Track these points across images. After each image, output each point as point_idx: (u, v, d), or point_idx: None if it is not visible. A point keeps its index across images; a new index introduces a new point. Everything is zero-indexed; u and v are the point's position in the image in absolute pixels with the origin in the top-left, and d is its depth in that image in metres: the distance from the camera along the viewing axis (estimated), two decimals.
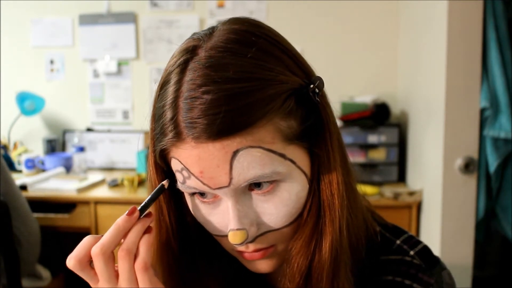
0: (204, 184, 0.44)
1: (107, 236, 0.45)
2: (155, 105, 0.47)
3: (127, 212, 0.46)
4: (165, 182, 0.49)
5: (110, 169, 2.45)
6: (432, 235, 1.64)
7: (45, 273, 1.83)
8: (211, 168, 0.43)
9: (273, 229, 0.47)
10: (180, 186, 0.47)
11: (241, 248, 0.48)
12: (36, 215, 1.81)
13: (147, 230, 0.47)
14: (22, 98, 2.39)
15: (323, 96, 0.49)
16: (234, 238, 0.45)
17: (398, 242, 0.57)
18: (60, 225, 1.91)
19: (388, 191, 1.84)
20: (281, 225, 0.47)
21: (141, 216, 0.48)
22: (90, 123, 2.52)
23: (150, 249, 0.47)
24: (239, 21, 0.48)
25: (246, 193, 0.46)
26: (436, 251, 1.57)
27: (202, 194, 0.48)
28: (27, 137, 2.56)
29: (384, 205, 1.78)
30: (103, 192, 1.97)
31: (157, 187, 0.50)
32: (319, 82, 0.46)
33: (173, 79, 0.45)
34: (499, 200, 1.62)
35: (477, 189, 1.55)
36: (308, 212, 0.49)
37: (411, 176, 1.97)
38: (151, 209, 0.50)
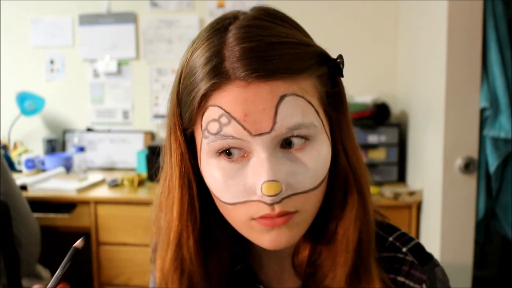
0: (245, 129, 0.44)
1: None
2: (185, 64, 0.48)
3: None
4: (78, 242, 0.49)
5: (110, 169, 2.45)
6: (432, 235, 1.64)
7: (45, 273, 1.83)
8: (256, 112, 0.43)
9: (300, 191, 0.47)
10: (211, 139, 0.46)
11: (267, 210, 0.46)
12: (36, 215, 1.81)
13: None
14: (22, 98, 2.39)
15: None
16: (269, 189, 0.43)
17: (390, 239, 0.57)
18: (60, 225, 1.91)
19: (388, 191, 1.84)
20: (307, 187, 0.47)
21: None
22: (90, 123, 2.52)
23: None
24: (267, 6, 0.51)
25: (278, 150, 0.46)
26: (436, 251, 1.57)
27: (229, 154, 0.46)
28: (27, 137, 2.56)
29: (384, 205, 1.78)
30: (103, 192, 1.97)
31: (70, 251, 0.49)
32: (342, 60, 0.50)
33: (213, 37, 0.46)
34: (499, 200, 1.62)
35: (477, 189, 1.55)
36: (344, 181, 0.52)
37: (411, 176, 1.97)
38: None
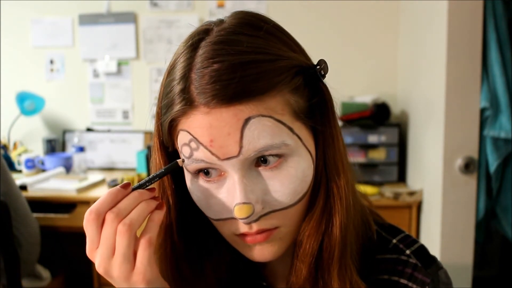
0: (213, 154, 0.44)
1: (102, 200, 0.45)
2: (163, 83, 0.48)
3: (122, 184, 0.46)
4: (180, 161, 0.48)
5: (110, 169, 2.44)
6: (432, 235, 1.64)
7: (45, 273, 1.83)
8: (221, 137, 0.43)
9: (277, 208, 0.47)
10: (186, 162, 0.47)
11: (245, 229, 0.47)
12: (36, 215, 1.81)
13: (159, 207, 0.47)
14: (22, 98, 2.39)
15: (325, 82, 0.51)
16: (240, 212, 0.44)
17: (394, 241, 0.57)
18: (60, 225, 1.91)
19: (388, 191, 1.84)
20: (286, 203, 0.47)
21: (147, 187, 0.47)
22: (90, 123, 2.52)
23: (158, 226, 0.46)
24: (247, 13, 0.50)
25: (252, 169, 0.46)
26: (436, 251, 1.57)
27: (206, 173, 0.47)
28: (27, 137, 2.56)
29: (384, 205, 1.78)
30: (103, 192, 1.95)
31: (171, 164, 0.49)
32: (324, 65, 0.48)
33: (184, 56, 0.46)
34: (499, 200, 1.62)
35: (477, 189, 1.55)
36: (317, 193, 0.49)
37: (411, 176, 1.97)
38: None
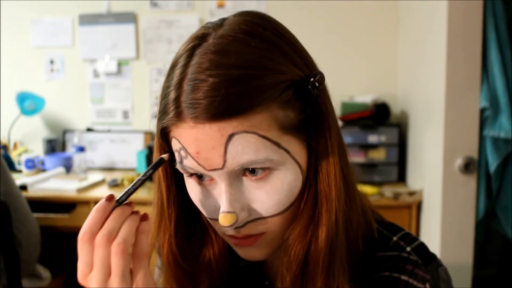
0: (199, 164, 0.46)
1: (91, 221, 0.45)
2: (163, 85, 0.49)
3: (105, 198, 0.47)
4: (165, 156, 0.50)
5: (110, 169, 2.44)
6: (432, 235, 1.64)
7: (45, 273, 1.83)
8: (206, 150, 0.44)
9: (263, 216, 0.48)
10: (178, 166, 0.49)
11: (232, 232, 0.49)
12: (36, 215, 1.81)
13: (144, 218, 0.49)
14: (22, 98, 2.39)
15: (324, 90, 0.50)
16: (223, 220, 0.46)
17: (395, 238, 0.57)
18: (60, 225, 1.91)
19: (388, 191, 1.84)
20: (271, 213, 0.48)
21: (124, 203, 0.48)
22: (90, 123, 2.52)
23: (148, 237, 0.47)
24: (249, 14, 0.50)
25: (240, 178, 0.47)
26: (436, 251, 1.57)
27: (199, 176, 0.49)
28: (27, 137, 2.56)
29: (384, 205, 1.78)
30: (103, 192, 1.97)
31: (156, 160, 0.50)
32: (320, 76, 0.47)
33: (181, 62, 0.46)
34: (499, 200, 1.62)
35: (477, 189, 1.55)
36: (305, 203, 0.49)
37: (411, 176, 1.97)
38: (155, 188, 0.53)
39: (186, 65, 0.46)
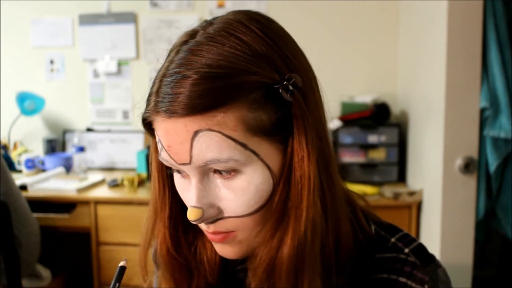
0: (171, 158, 0.47)
1: None
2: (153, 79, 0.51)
3: None
4: (123, 263, 0.52)
5: (110, 169, 2.44)
6: (432, 235, 1.64)
7: (45, 273, 1.83)
8: (175, 144, 0.46)
9: (231, 215, 0.49)
10: (159, 157, 0.50)
11: (203, 227, 0.51)
12: (36, 215, 1.81)
13: None
14: (22, 98, 2.39)
15: (305, 93, 0.48)
16: (190, 215, 0.48)
17: (393, 240, 0.57)
18: (60, 225, 1.91)
19: (388, 191, 1.84)
20: (239, 213, 0.48)
21: None
22: (90, 123, 2.52)
23: None
24: (239, 13, 0.50)
25: (210, 175, 0.48)
26: (436, 251, 1.57)
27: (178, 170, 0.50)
28: (27, 137, 2.56)
29: (384, 205, 1.78)
30: (103, 192, 1.97)
31: (118, 270, 0.52)
32: (295, 80, 0.47)
33: (169, 57, 0.49)
34: (499, 200, 1.62)
35: (477, 189, 1.55)
36: (275, 207, 0.49)
37: (411, 176, 1.97)
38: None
39: (171, 61, 0.47)
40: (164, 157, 0.49)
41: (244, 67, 0.45)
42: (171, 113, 0.45)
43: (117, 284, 0.51)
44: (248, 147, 0.46)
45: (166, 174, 0.55)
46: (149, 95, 0.48)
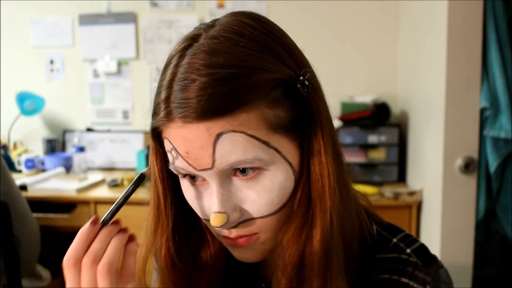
0: (189, 165, 0.46)
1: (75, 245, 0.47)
2: (156, 87, 0.49)
3: (91, 220, 0.47)
4: (145, 170, 0.51)
5: (110, 169, 2.44)
6: (432, 235, 1.64)
7: (45, 273, 1.83)
8: (195, 149, 0.45)
9: (255, 217, 0.48)
10: (171, 167, 0.49)
11: (225, 233, 0.49)
12: (36, 215, 1.81)
13: (131, 238, 0.49)
14: (22, 98, 2.39)
15: (315, 89, 0.49)
16: (214, 221, 0.46)
17: (394, 240, 0.57)
18: (60, 225, 1.91)
19: (388, 191, 1.84)
20: (263, 213, 0.47)
21: (111, 222, 0.48)
22: (90, 123, 2.52)
23: (135, 257, 0.48)
24: (239, 14, 0.50)
25: (230, 178, 0.47)
26: (436, 251, 1.57)
27: (192, 177, 0.49)
28: (27, 137, 2.56)
29: (384, 205, 1.78)
30: (103, 192, 1.97)
31: (137, 176, 0.51)
32: (310, 75, 0.47)
33: (173, 63, 0.47)
34: (499, 200, 1.62)
35: (477, 189, 1.55)
36: (298, 204, 0.49)
37: (411, 176, 1.97)
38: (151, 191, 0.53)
39: (176, 65, 0.46)
40: (179, 165, 0.47)
41: (261, 65, 0.45)
42: (193, 118, 0.43)
43: (133, 186, 0.50)
44: (271, 145, 0.46)
45: (170, 185, 0.54)
46: (157, 104, 0.47)
